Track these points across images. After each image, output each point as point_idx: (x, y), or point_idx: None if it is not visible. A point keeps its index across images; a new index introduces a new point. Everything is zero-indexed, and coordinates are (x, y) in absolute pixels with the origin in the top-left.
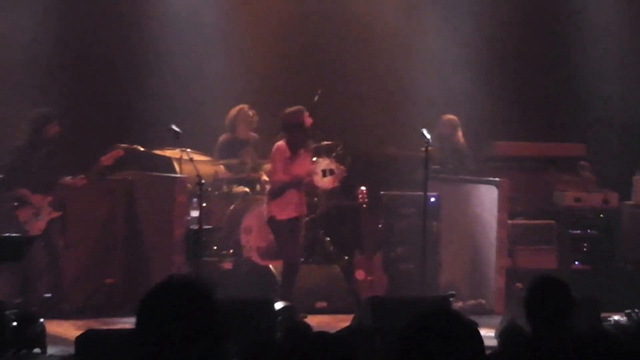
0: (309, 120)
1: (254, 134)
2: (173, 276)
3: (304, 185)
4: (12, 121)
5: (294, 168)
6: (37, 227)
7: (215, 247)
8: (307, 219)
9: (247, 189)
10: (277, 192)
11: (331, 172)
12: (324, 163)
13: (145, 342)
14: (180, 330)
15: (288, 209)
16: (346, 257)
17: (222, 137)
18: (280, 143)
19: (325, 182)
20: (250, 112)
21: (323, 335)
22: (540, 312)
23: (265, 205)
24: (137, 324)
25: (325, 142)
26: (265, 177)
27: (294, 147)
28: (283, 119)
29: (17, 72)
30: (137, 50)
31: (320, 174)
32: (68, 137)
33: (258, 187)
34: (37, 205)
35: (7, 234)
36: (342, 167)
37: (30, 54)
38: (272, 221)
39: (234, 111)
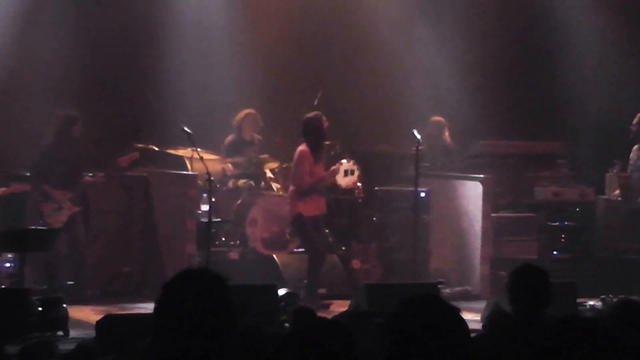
0: (326, 124)
1: (257, 136)
2: (191, 267)
3: (327, 184)
4: (41, 123)
5: (317, 170)
6: (58, 220)
7: (223, 238)
8: None
9: (252, 183)
10: (305, 193)
11: (352, 172)
12: (347, 165)
13: (165, 326)
14: (198, 315)
15: (314, 207)
16: (344, 248)
17: (229, 138)
18: (304, 148)
19: (346, 181)
20: (256, 116)
21: (324, 321)
22: (522, 298)
23: (288, 205)
24: (157, 309)
25: (325, 142)
26: (269, 174)
27: (315, 150)
28: (304, 124)
29: (46, 80)
30: (153, 58)
31: (342, 173)
32: (89, 137)
33: (263, 183)
34: (59, 201)
35: (34, 227)
36: (359, 168)
37: (57, 65)
38: (299, 219)
39: (241, 114)
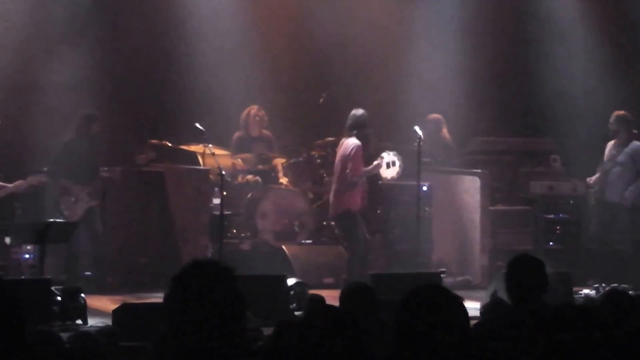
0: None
1: (267, 132)
2: (198, 259)
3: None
4: (62, 121)
5: (365, 164)
6: (75, 214)
7: (235, 230)
8: (314, 206)
9: (259, 179)
10: (354, 185)
11: (394, 163)
12: (388, 157)
13: (175, 314)
14: (205, 304)
15: (358, 201)
16: None
17: (236, 134)
18: (358, 142)
19: (390, 172)
20: (260, 113)
21: (334, 309)
22: (519, 287)
23: (333, 202)
24: (167, 299)
25: (329, 139)
26: (280, 172)
27: (364, 145)
28: (354, 120)
29: (70, 82)
30: (167, 62)
31: (384, 166)
32: (107, 133)
33: (273, 175)
34: (77, 195)
35: (52, 219)
36: (400, 159)
37: (80, 69)
38: (347, 214)
39: (245, 112)
